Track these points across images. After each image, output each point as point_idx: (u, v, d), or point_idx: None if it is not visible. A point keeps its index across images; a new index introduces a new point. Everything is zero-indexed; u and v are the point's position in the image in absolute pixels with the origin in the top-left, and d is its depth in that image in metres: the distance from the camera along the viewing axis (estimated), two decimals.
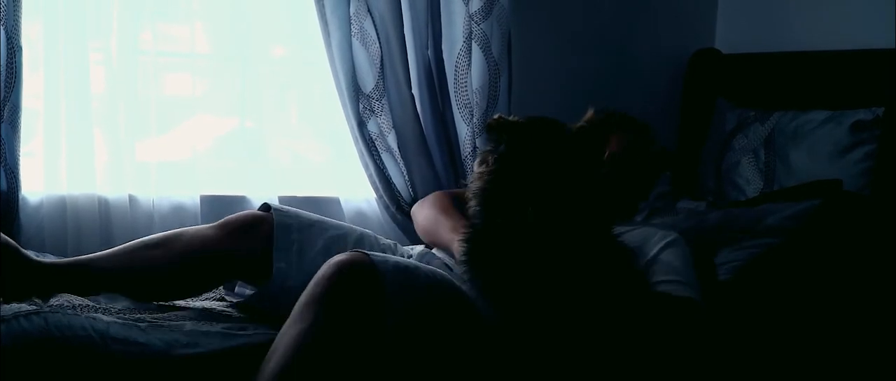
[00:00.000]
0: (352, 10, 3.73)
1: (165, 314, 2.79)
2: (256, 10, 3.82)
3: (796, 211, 3.39)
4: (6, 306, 2.59)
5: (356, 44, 3.75)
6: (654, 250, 2.95)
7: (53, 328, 2.49)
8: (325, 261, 2.58)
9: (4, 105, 3.31)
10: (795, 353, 3.18)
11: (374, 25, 3.76)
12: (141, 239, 2.98)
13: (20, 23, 3.31)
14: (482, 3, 3.81)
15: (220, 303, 3.11)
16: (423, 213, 3.41)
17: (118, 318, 2.64)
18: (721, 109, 4.25)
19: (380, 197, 3.93)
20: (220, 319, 2.84)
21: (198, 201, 3.71)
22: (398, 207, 3.91)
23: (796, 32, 4.29)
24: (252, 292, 3.04)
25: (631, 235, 2.92)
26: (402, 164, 3.87)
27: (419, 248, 3.34)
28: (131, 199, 3.62)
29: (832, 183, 3.53)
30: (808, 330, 3.24)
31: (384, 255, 2.61)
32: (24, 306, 2.57)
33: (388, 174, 3.88)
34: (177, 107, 3.85)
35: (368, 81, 3.78)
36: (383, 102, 3.80)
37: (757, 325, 3.17)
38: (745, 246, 3.33)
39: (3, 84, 3.29)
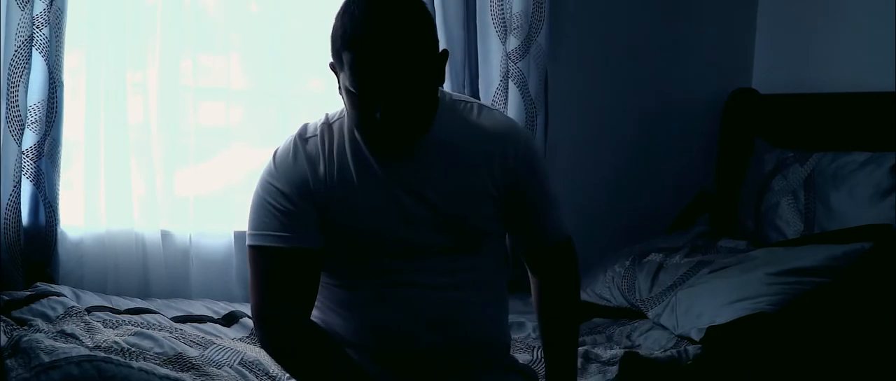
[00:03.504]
0: None
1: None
2: (293, 42, 3.85)
3: (846, 252, 3.38)
4: (59, 347, 2.59)
5: None
6: None
7: (106, 378, 2.48)
8: None
9: (45, 140, 3.33)
10: None
11: None
12: None
13: (62, 58, 3.34)
14: (519, 42, 3.81)
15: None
16: None
17: (171, 371, 2.65)
18: (759, 150, 4.22)
19: None
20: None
21: (232, 237, 3.72)
22: None
23: (833, 73, 4.25)
24: None
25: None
26: None
27: None
28: (169, 235, 3.64)
29: (882, 227, 3.50)
30: (861, 370, 3.22)
31: None
32: (75, 350, 2.57)
33: None
34: (213, 137, 3.86)
35: None
36: None
37: (809, 361, 3.14)
38: (790, 282, 3.30)
39: (44, 119, 3.32)
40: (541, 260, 2.55)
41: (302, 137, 2.39)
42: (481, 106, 2.45)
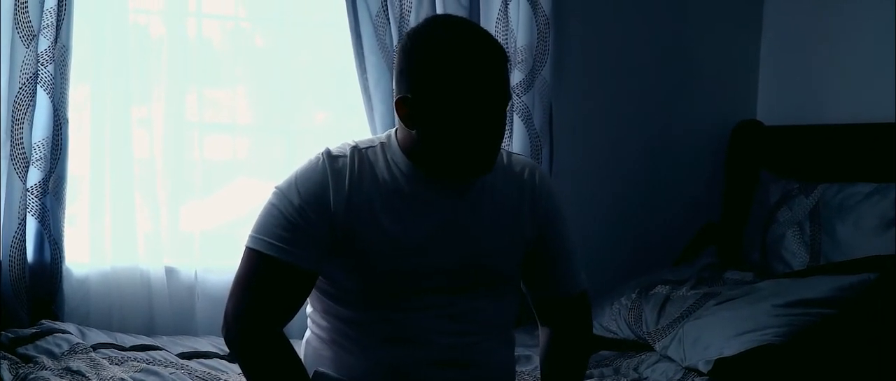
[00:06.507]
0: (395, 82, 3.73)
1: None
2: (299, 76, 3.85)
3: (852, 282, 3.36)
4: None
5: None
6: None
7: None
8: None
9: (50, 177, 3.33)
10: None
11: None
12: None
13: (67, 95, 3.34)
14: (524, 76, 3.82)
15: None
16: None
17: None
18: (765, 182, 4.22)
19: None
20: None
21: None
22: None
23: (838, 104, 4.25)
24: None
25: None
26: None
27: None
28: (174, 271, 3.64)
29: (888, 258, 3.49)
30: None
31: None
32: None
33: None
34: (219, 171, 3.87)
35: None
36: None
37: None
38: (797, 314, 3.30)
39: (49, 156, 3.32)
40: (555, 311, 2.52)
41: (330, 155, 2.31)
42: (506, 150, 2.45)
